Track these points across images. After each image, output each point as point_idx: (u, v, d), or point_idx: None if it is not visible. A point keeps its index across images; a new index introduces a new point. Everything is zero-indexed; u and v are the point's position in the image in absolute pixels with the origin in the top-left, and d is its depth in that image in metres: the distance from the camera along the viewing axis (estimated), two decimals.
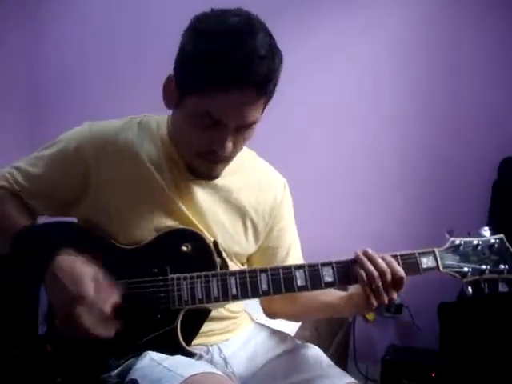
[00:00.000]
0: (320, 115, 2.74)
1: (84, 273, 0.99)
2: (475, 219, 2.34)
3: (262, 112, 1.07)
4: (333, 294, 1.18)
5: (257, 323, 1.30)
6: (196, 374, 0.93)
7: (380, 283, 1.03)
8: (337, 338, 2.41)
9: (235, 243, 1.19)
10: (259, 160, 1.29)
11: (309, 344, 1.22)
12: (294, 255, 1.27)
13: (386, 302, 1.05)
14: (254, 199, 1.22)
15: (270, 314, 1.31)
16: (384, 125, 2.66)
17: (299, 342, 1.24)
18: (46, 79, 3.18)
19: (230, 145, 1.03)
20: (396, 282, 1.04)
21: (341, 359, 2.44)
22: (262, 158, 1.31)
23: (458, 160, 2.56)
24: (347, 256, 1.09)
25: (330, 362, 1.16)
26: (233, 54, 0.94)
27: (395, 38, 2.64)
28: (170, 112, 1.15)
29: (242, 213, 1.20)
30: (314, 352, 1.18)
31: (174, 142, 1.14)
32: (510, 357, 2.06)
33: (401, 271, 1.04)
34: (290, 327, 1.84)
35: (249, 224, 1.21)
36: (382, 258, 1.05)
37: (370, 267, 1.04)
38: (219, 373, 1.00)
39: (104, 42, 3.05)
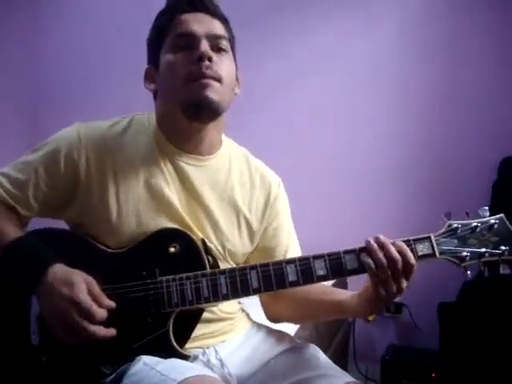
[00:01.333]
0: (319, 115, 2.74)
1: (77, 278, 0.99)
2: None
3: (231, 40, 1.18)
4: (341, 293, 1.16)
5: (254, 322, 1.29)
6: (189, 378, 0.92)
7: (390, 274, 0.98)
8: (337, 337, 2.40)
9: (228, 241, 1.18)
10: (253, 158, 1.29)
11: (308, 343, 1.21)
12: (292, 255, 1.23)
13: (395, 291, 0.99)
14: (247, 197, 1.22)
15: (273, 317, 1.29)
16: (383, 125, 2.66)
17: (298, 341, 1.24)
18: (46, 79, 3.18)
19: (206, 49, 1.09)
20: (407, 272, 0.99)
21: (341, 359, 2.44)
22: (261, 158, 1.30)
23: (458, 160, 2.56)
24: None
25: (330, 362, 1.15)
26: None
27: (395, 38, 2.64)
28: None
29: (235, 210, 1.19)
30: (313, 351, 1.17)
31: (164, 130, 1.15)
32: (510, 357, 2.06)
33: (413, 259, 0.99)
34: (290, 327, 1.84)
35: (242, 221, 1.20)
36: (393, 245, 1.00)
37: (380, 255, 0.98)
38: (213, 375, 0.99)
39: (104, 42, 3.05)
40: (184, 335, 1.06)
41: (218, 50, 1.13)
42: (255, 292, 1.04)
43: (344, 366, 2.47)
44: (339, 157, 2.72)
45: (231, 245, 1.18)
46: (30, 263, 1.02)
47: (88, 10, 3.12)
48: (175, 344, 1.04)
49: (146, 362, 0.99)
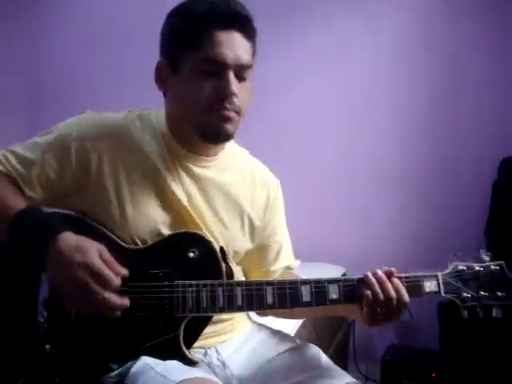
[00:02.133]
0: (319, 115, 2.74)
1: (89, 245, 0.97)
2: (475, 219, 2.34)
3: (252, 63, 1.12)
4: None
5: (255, 323, 1.30)
6: (186, 379, 0.92)
7: (384, 308, 1.04)
8: (337, 337, 2.40)
9: (234, 240, 1.19)
10: (252, 158, 1.30)
11: (308, 343, 1.22)
12: (284, 254, 1.29)
13: (386, 321, 1.06)
14: (250, 196, 1.23)
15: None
16: (384, 125, 2.66)
17: (298, 341, 1.24)
18: (47, 79, 3.17)
19: (233, 86, 1.06)
20: (398, 307, 1.05)
21: (341, 359, 2.44)
22: (260, 158, 1.31)
23: (458, 160, 2.56)
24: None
25: (330, 362, 1.16)
26: (212, 2, 1.06)
27: (395, 38, 2.64)
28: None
29: (239, 209, 1.20)
30: (314, 351, 1.18)
31: (173, 131, 1.14)
32: (510, 357, 2.06)
33: (406, 298, 1.05)
34: (290, 327, 1.84)
35: (246, 220, 1.21)
36: (391, 282, 1.05)
37: (378, 290, 1.04)
38: (212, 378, 0.99)
39: (106, 42, 3.05)
40: (191, 340, 1.07)
41: (241, 78, 1.09)
42: (269, 307, 1.06)
43: (344, 366, 2.47)
44: (339, 157, 2.72)
45: (236, 243, 1.19)
46: (39, 231, 0.99)
47: (91, 10, 3.11)
48: (185, 349, 1.04)
49: (147, 362, 0.99)
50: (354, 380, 1.10)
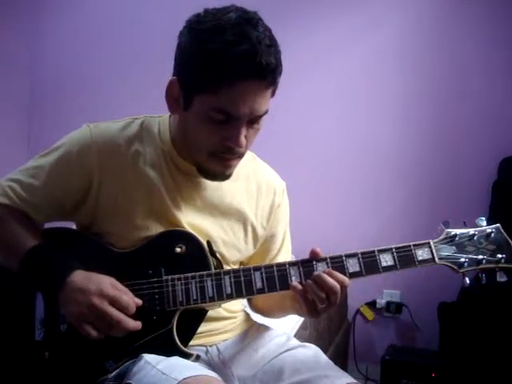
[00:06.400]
0: (320, 114, 2.74)
1: (101, 277, 1.02)
2: (475, 219, 2.33)
3: (268, 108, 1.06)
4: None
5: (256, 323, 1.29)
6: (189, 377, 0.93)
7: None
8: (337, 337, 2.41)
9: (238, 251, 1.19)
10: (259, 162, 1.27)
11: (309, 344, 1.22)
12: (282, 257, 1.27)
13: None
14: (253, 204, 1.22)
15: (253, 306, 1.31)
16: (384, 125, 2.66)
17: (299, 341, 1.24)
18: (46, 80, 3.17)
19: (243, 139, 1.03)
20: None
21: (341, 359, 2.44)
22: (261, 158, 1.29)
23: (458, 160, 2.56)
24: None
25: (330, 362, 1.16)
26: (240, 47, 0.95)
27: (397, 37, 2.64)
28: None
29: (243, 218, 1.19)
30: (314, 352, 1.18)
31: (176, 145, 1.12)
32: (510, 357, 2.06)
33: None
34: (290, 327, 1.84)
35: (249, 229, 1.21)
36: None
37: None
38: (213, 375, 0.99)
39: (104, 42, 3.05)
40: (187, 334, 1.07)
41: (254, 123, 1.05)
42: (259, 292, 1.06)
43: (344, 366, 2.47)
44: (337, 156, 2.72)
45: (238, 252, 1.19)
46: (52, 270, 1.03)
47: (87, 10, 3.11)
48: (178, 342, 1.05)
49: (148, 361, 1.00)
50: (355, 381, 1.10)
